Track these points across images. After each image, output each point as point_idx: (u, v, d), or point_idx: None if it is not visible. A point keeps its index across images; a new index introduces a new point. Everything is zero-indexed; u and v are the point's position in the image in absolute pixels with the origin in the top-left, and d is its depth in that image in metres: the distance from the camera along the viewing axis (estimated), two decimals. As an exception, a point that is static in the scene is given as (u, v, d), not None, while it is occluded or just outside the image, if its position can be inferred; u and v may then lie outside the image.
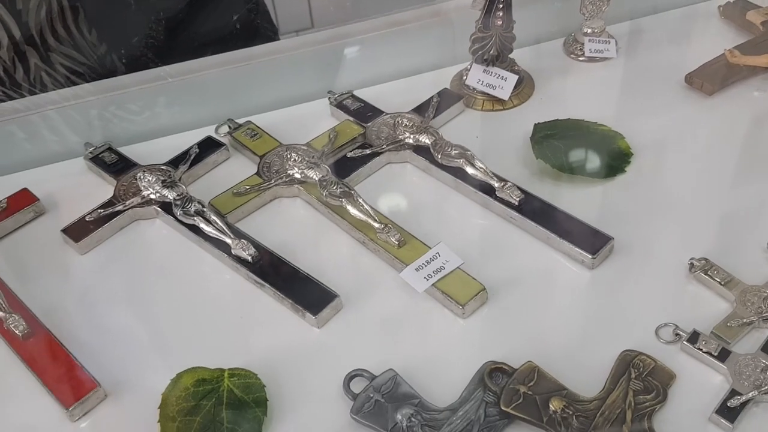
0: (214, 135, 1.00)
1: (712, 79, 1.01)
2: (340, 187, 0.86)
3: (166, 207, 0.88)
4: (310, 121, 1.02)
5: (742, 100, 1.02)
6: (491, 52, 1.00)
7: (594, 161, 0.92)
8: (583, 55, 1.10)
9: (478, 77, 1.03)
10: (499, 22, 0.98)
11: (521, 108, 1.04)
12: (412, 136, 0.94)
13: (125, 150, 0.98)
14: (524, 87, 1.05)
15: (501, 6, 0.96)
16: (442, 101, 1.02)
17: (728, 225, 0.85)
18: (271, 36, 1.28)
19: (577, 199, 0.88)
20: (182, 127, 1.02)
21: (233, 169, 0.96)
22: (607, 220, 0.84)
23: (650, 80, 1.06)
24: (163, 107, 1.06)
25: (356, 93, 1.05)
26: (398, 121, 0.96)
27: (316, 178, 0.89)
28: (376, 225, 0.83)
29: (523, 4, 1.18)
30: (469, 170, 0.89)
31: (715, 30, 1.15)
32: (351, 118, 1.01)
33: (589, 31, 1.10)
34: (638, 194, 0.89)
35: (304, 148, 0.95)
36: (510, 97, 1.03)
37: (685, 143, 0.96)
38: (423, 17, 1.16)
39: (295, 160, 0.91)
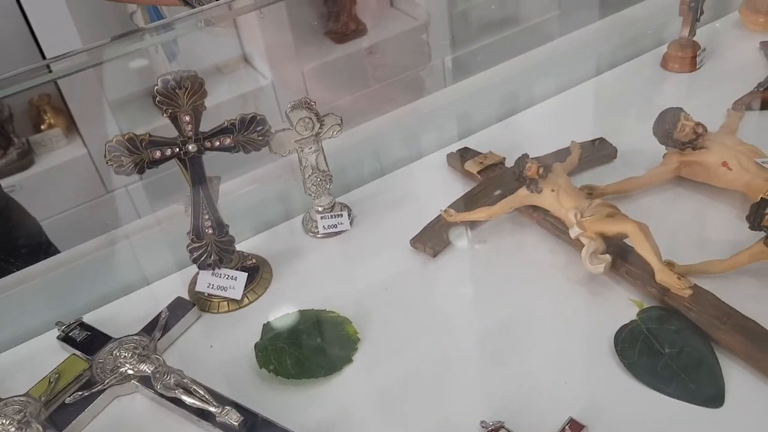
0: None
1: (432, 242, 1.04)
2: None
3: None
4: (37, 360, 0.97)
5: (465, 255, 1.05)
6: (212, 257, 0.99)
7: (320, 358, 0.91)
8: (319, 232, 1.11)
9: (207, 281, 1.01)
10: (210, 231, 0.98)
11: (259, 302, 1.03)
12: (132, 368, 0.90)
13: None
14: (261, 278, 1.05)
15: (207, 216, 0.96)
16: (177, 310, 1.00)
17: (446, 404, 0.85)
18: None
19: (302, 405, 0.86)
20: None
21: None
22: (333, 423, 0.83)
23: (382, 248, 1.08)
24: None
25: (96, 313, 1.02)
26: (117, 353, 0.92)
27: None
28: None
29: (255, 188, 1.20)
30: (187, 399, 0.85)
31: (444, 181, 1.19)
32: (78, 353, 0.96)
33: (320, 208, 1.11)
34: (363, 385, 0.89)
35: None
36: (245, 294, 1.02)
37: (411, 313, 0.97)
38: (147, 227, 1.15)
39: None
